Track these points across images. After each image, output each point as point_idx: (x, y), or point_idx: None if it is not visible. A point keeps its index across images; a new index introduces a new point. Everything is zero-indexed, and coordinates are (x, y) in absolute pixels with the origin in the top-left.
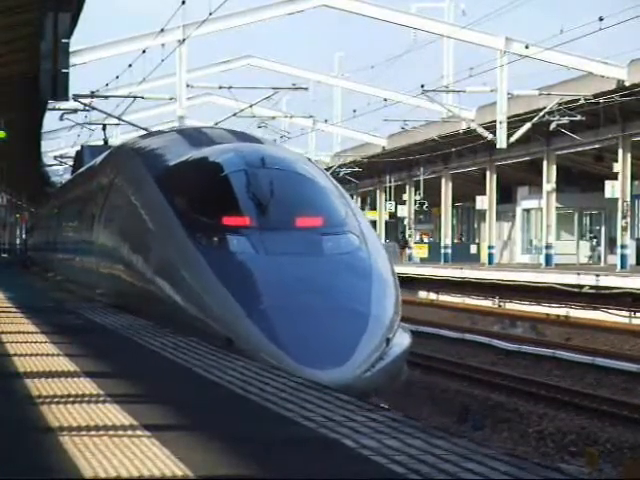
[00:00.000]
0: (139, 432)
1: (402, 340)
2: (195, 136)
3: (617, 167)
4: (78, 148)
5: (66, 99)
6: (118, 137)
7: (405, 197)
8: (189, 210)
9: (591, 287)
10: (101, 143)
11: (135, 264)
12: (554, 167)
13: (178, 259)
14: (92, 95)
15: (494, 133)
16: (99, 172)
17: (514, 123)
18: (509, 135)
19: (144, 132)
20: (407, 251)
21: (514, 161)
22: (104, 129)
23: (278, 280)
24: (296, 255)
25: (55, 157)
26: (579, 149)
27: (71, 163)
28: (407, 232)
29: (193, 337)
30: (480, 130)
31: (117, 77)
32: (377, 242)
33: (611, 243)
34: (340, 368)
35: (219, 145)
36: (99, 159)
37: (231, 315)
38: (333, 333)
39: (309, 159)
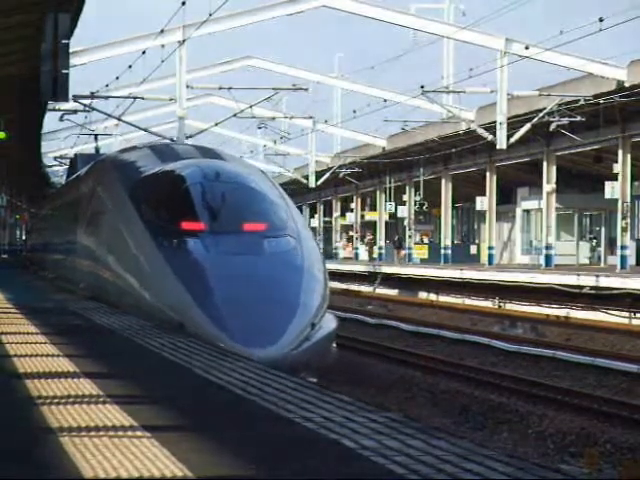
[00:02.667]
0: (139, 432)
1: (328, 325)
2: (164, 152)
3: (617, 168)
4: (79, 149)
5: (66, 100)
6: (118, 138)
7: (405, 198)
8: (154, 216)
9: (591, 288)
10: (98, 147)
11: (108, 263)
12: (554, 168)
13: (143, 259)
14: (92, 96)
15: (494, 134)
16: (84, 182)
17: (514, 124)
18: (509, 136)
19: (137, 132)
20: (402, 252)
21: (514, 162)
22: (96, 139)
23: (224, 275)
24: (241, 254)
25: (55, 158)
26: (579, 150)
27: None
28: (408, 233)
29: (150, 321)
30: (480, 131)
31: (117, 78)
32: (312, 243)
33: (611, 244)
34: (271, 347)
35: (182, 161)
36: (85, 169)
37: (183, 304)
38: (267, 318)
39: (262, 172)
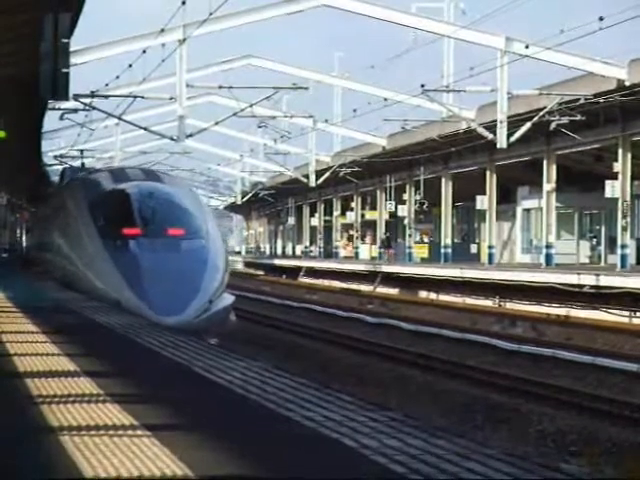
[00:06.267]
0: (139, 432)
1: (224, 302)
2: (118, 175)
3: (617, 167)
4: (79, 147)
5: (66, 99)
6: (118, 136)
7: (405, 197)
8: (104, 224)
9: (591, 287)
10: (83, 162)
11: (72, 257)
12: (554, 167)
13: (95, 255)
14: (92, 95)
15: (494, 133)
16: (64, 193)
17: (514, 123)
18: (509, 135)
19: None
20: (390, 251)
21: (514, 161)
22: (82, 153)
23: (150, 266)
24: (164, 252)
25: (55, 157)
26: (579, 149)
27: (71, 163)
28: (408, 232)
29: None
30: (480, 130)
31: (117, 77)
32: (219, 243)
33: (611, 243)
34: (179, 316)
35: (129, 182)
36: (66, 183)
37: (120, 287)
38: (177, 296)
39: (191, 190)
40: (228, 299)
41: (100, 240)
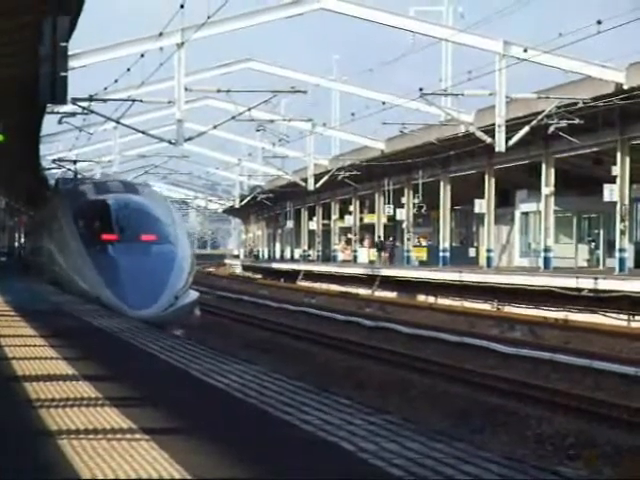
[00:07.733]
0: (137, 435)
1: (189, 298)
2: (100, 186)
3: (615, 170)
4: (77, 151)
5: (64, 102)
6: (117, 140)
7: (404, 200)
8: (86, 231)
9: (590, 290)
10: (77, 172)
11: (59, 260)
12: (553, 170)
13: (78, 258)
14: (91, 98)
15: (493, 136)
16: (55, 202)
17: (513, 126)
18: (508, 138)
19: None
20: (384, 254)
21: (513, 164)
22: (75, 163)
23: (125, 268)
24: (138, 255)
25: (54, 160)
26: (578, 152)
27: (69, 167)
28: (406, 235)
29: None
30: (479, 133)
31: (116, 81)
32: (186, 247)
33: (609, 246)
34: (149, 309)
35: (109, 194)
36: (58, 192)
37: (99, 285)
38: (147, 293)
39: (165, 199)
40: (193, 295)
41: (82, 245)
